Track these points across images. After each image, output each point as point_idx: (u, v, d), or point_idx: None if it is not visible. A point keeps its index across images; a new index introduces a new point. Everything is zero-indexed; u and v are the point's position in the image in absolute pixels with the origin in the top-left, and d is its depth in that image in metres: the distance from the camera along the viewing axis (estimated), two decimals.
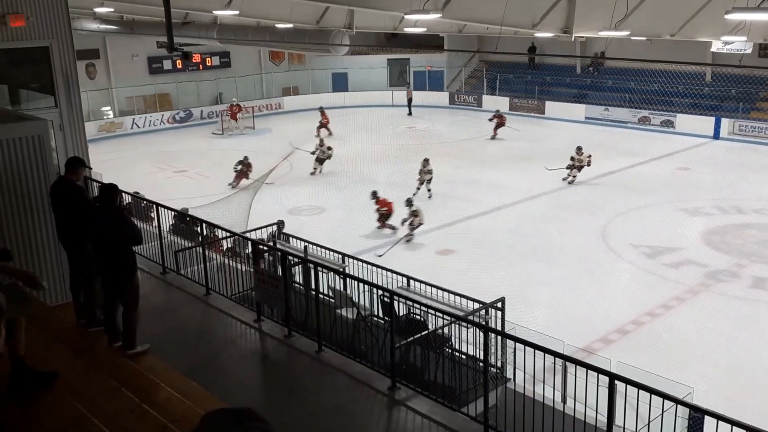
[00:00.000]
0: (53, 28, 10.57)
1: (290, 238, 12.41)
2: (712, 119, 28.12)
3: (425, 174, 20.00)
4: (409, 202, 17.12)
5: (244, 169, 21.52)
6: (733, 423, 4.78)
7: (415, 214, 16.86)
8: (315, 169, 23.04)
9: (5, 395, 4.85)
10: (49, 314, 6.51)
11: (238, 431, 1.54)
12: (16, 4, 10.20)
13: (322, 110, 29.29)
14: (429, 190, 19.95)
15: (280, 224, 13.92)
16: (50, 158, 7.43)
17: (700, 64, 26.05)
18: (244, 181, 20.81)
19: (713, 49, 24.81)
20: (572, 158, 21.36)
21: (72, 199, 6.64)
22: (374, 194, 17.51)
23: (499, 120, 28.37)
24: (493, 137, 28.20)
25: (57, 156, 9.19)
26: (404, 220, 16.99)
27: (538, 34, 19.73)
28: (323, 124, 28.37)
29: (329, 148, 23.20)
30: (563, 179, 21.28)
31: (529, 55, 33.80)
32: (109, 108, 32.38)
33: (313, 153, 23.25)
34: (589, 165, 21.11)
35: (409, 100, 34.95)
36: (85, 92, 18.29)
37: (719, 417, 4.83)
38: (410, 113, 34.66)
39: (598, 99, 32.20)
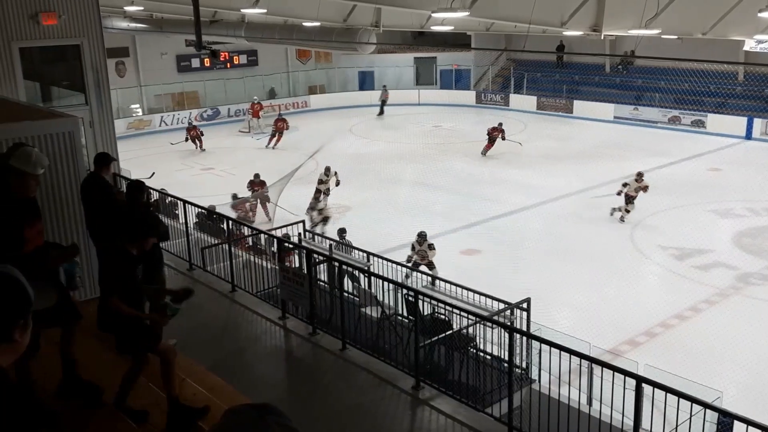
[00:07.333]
0: (84, 26, 10.73)
1: (353, 250, 12.30)
2: (744, 119, 27.59)
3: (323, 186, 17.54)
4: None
5: (256, 190, 18.05)
6: (763, 428, 4.70)
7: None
8: (315, 224, 16.58)
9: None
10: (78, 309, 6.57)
11: (258, 425, 1.57)
12: (49, 2, 10.36)
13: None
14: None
15: (342, 232, 13.99)
16: (80, 154, 7.51)
17: (733, 63, 25.62)
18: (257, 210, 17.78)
19: (746, 48, 24.52)
20: (625, 184, 17.74)
21: (102, 195, 6.74)
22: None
23: (494, 133, 24.83)
24: (484, 151, 24.93)
25: (87, 152, 9.31)
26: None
27: (567, 33, 19.54)
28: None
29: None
30: (611, 214, 17.79)
31: (558, 54, 33.48)
32: (138, 106, 32.80)
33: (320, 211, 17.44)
34: (645, 191, 17.59)
35: (383, 102, 34.84)
36: (115, 90, 18.51)
37: (749, 422, 4.74)
38: (381, 113, 34.52)
39: (628, 98, 31.81)
